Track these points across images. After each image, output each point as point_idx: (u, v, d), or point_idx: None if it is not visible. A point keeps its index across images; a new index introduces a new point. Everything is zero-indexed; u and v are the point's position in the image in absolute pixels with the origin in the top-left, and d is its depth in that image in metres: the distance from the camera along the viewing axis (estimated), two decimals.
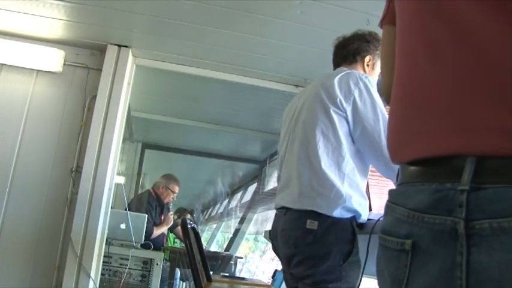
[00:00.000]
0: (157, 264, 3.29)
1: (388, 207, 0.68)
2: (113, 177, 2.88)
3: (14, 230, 2.73)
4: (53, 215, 2.77)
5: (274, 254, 1.81)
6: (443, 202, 0.58)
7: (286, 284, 1.71)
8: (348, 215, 1.52)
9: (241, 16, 2.43)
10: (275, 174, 1.72)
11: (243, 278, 3.36)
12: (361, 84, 1.55)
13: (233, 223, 8.03)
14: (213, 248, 9.54)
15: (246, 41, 2.69)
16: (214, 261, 4.28)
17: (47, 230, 2.76)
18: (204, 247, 2.96)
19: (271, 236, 1.73)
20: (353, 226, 1.52)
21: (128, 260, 3.19)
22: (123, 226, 3.26)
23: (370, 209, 1.71)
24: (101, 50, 2.98)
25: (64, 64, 2.94)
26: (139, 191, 5.30)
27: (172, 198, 4.34)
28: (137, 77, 3.11)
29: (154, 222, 4.04)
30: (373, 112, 1.53)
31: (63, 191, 2.81)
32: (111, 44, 2.93)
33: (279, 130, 1.85)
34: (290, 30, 2.50)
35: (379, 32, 1.78)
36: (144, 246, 3.41)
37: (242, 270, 6.42)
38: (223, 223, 9.86)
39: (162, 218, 4.21)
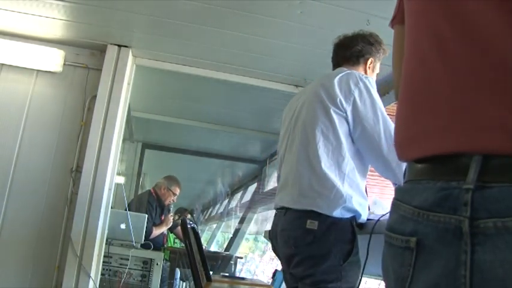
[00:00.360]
0: (157, 264, 3.29)
1: (394, 205, 0.68)
2: (113, 177, 2.88)
3: (14, 230, 2.73)
4: (53, 215, 2.77)
5: (274, 254, 1.81)
6: (448, 200, 0.58)
7: (286, 284, 1.71)
8: (348, 215, 1.52)
9: (241, 16, 2.43)
10: (275, 174, 1.72)
11: (243, 278, 3.37)
12: (361, 84, 1.55)
13: (233, 223, 8.03)
14: (213, 248, 9.54)
15: (246, 41, 2.69)
16: (214, 261, 4.28)
17: (47, 230, 2.76)
18: (204, 247, 2.96)
19: (271, 236, 1.73)
20: (353, 226, 1.52)
21: (128, 260, 3.19)
22: (123, 226, 3.26)
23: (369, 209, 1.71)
24: (101, 50, 2.98)
25: (64, 64, 2.94)
26: (139, 191, 5.30)
27: (173, 200, 4.35)
28: (137, 77, 3.11)
29: (154, 223, 4.04)
30: (373, 112, 1.53)
31: (63, 191, 2.81)
32: (111, 44, 2.93)
33: (279, 130, 1.85)
34: (290, 30, 2.50)
35: (379, 32, 1.79)
36: (144, 246, 3.41)
37: (242, 270, 6.42)
38: (223, 223, 9.86)
39: (162, 218, 4.21)
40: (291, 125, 1.71)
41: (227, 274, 4.01)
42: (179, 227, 4.51)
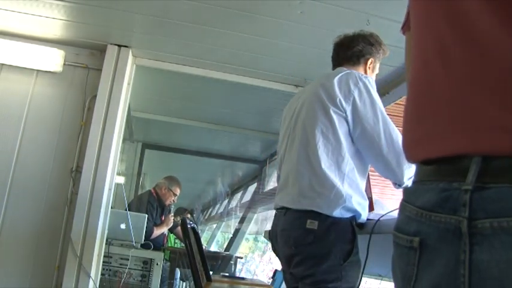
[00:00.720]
0: (157, 264, 3.29)
1: (401, 206, 0.70)
2: (113, 177, 2.88)
3: (14, 230, 2.73)
4: (53, 215, 2.77)
5: (274, 254, 1.81)
6: (448, 201, 0.59)
7: (286, 284, 1.71)
8: (348, 215, 1.52)
9: (241, 16, 2.43)
10: (275, 174, 1.72)
11: (243, 278, 3.37)
12: (360, 84, 1.55)
13: (233, 223, 8.03)
14: (213, 248, 9.54)
15: (246, 41, 2.69)
16: (214, 261, 4.28)
17: (47, 230, 2.76)
18: (204, 247, 2.96)
19: (271, 236, 1.73)
20: (353, 226, 1.52)
21: (128, 260, 3.19)
22: (123, 226, 3.26)
23: (372, 209, 1.71)
24: (101, 50, 2.98)
25: (64, 64, 2.94)
26: (139, 191, 5.30)
27: (173, 201, 4.35)
28: (137, 77, 3.11)
29: (154, 223, 4.04)
30: (373, 112, 1.53)
31: (63, 191, 2.81)
32: (111, 44, 2.93)
33: (279, 130, 1.85)
34: (290, 30, 2.50)
35: (379, 32, 1.79)
36: (144, 246, 3.41)
37: (242, 270, 6.42)
38: (223, 223, 9.86)
39: (163, 218, 4.21)
40: (290, 125, 1.71)
41: (227, 274, 4.01)
42: (179, 228, 4.52)
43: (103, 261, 2.87)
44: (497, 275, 0.53)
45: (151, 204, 4.10)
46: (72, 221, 2.69)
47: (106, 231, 2.86)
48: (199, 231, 3.24)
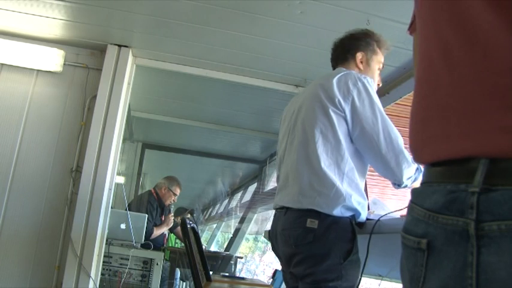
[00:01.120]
0: (157, 264, 3.29)
1: (409, 207, 0.70)
2: (113, 177, 2.88)
3: (14, 230, 2.73)
4: (53, 215, 2.77)
5: (274, 254, 1.81)
6: (455, 203, 0.59)
7: (286, 284, 1.71)
8: (348, 214, 1.52)
9: (241, 16, 2.43)
10: (275, 174, 1.72)
11: (243, 278, 3.37)
12: (359, 84, 1.55)
13: (233, 223, 8.03)
14: (213, 248, 9.54)
15: (246, 41, 2.69)
16: (214, 261, 4.28)
17: (47, 230, 2.76)
18: (204, 247, 2.96)
19: (271, 235, 1.73)
20: (353, 225, 1.53)
21: (128, 260, 3.19)
22: (123, 226, 3.26)
23: (368, 208, 1.71)
24: (101, 50, 2.98)
25: (64, 64, 2.94)
26: (139, 191, 5.31)
27: (173, 201, 4.35)
28: (137, 77, 3.11)
29: (154, 223, 4.04)
30: (372, 112, 1.53)
31: (63, 191, 2.81)
32: (111, 44, 2.93)
33: (279, 130, 1.85)
34: (290, 30, 2.50)
35: (380, 32, 1.78)
36: (144, 246, 3.41)
37: (242, 270, 6.42)
38: (223, 223, 9.87)
39: (163, 218, 4.21)
40: (290, 125, 1.71)
41: (227, 274, 4.01)
42: (179, 227, 4.52)
43: (103, 261, 2.87)
44: (505, 277, 0.53)
45: (151, 204, 4.11)
46: (72, 221, 2.69)
47: (106, 231, 2.86)
48: (199, 231, 3.24)
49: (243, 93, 3.64)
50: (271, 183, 5.44)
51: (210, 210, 11.15)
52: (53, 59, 2.90)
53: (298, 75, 3.11)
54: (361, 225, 1.60)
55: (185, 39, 2.78)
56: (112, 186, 2.87)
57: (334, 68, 1.78)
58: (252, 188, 6.80)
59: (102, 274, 2.93)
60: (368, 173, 1.66)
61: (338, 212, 1.50)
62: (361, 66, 1.72)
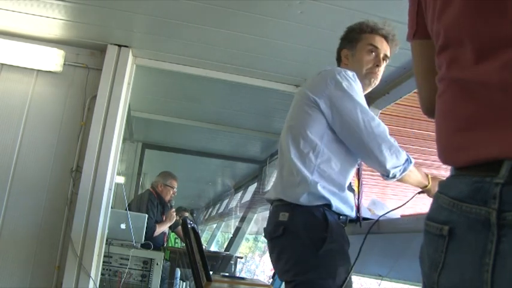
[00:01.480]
0: (157, 264, 3.29)
1: (435, 196, 0.73)
2: (113, 177, 2.88)
3: (14, 230, 2.73)
4: (53, 215, 2.77)
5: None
6: (479, 193, 0.62)
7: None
8: (318, 202, 1.49)
9: (241, 16, 2.43)
10: (275, 174, 1.73)
11: (243, 278, 3.36)
12: (337, 77, 1.55)
13: (233, 223, 8.03)
14: (213, 248, 9.54)
15: (246, 41, 2.69)
16: (214, 261, 4.28)
17: (47, 230, 2.76)
18: (204, 247, 2.96)
19: (265, 233, 1.73)
20: (325, 213, 1.48)
21: (128, 260, 3.19)
22: (123, 226, 3.26)
23: (358, 210, 1.70)
24: (101, 50, 2.98)
25: (64, 64, 2.94)
26: (139, 191, 5.30)
27: (173, 194, 4.35)
28: (137, 77, 3.11)
29: (156, 220, 4.05)
30: (350, 102, 1.52)
31: (63, 191, 2.81)
32: (111, 44, 2.93)
33: (279, 130, 1.86)
34: (290, 30, 2.50)
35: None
36: (144, 246, 3.41)
37: (242, 270, 6.42)
38: (223, 223, 9.87)
39: (164, 216, 4.21)
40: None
41: (227, 274, 4.01)
42: (180, 227, 4.52)
43: (103, 261, 2.87)
44: None
45: (152, 202, 4.11)
46: (72, 221, 2.69)
47: (106, 231, 2.86)
48: (199, 231, 3.24)
49: (243, 93, 3.64)
50: (271, 183, 5.43)
51: (210, 210, 11.15)
52: (53, 59, 2.89)
53: (298, 75, 3.11)
54: (354, 221, 1.59)
55: (185, 39, 2.78)
56: (112, 186, 2.87)
57: None
58: (252, 188, 6.81)
59: (102, 274, 2.93)
60: (368, 172, 1.67)
61: (305, 199, 1.48)
62: (346, 61, 1.72)
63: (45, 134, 2.87)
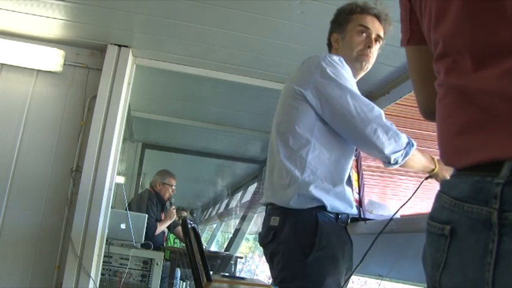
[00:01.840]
0: (157, 264, 3.29)
1: (437, 196, 0.73)
2: (113, 177, 2.88)
3: (14, 230, 2.73)
4: (53, 215, 2.77)
5: None
6: (481, 193, 0.62)
7: None
8: (309, 205, 1.39)
9: (241, 16, 2.43)
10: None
11: (243, 278, 3.36)
12: (322, 64, 1.45)
13: (233, 223, 8.03)
14: (213, 248, 9.54)
15: (246, 41, 2.69)
16: (214, 261, 4.28)
17: (47, 230, 2.76)
18: (204, 247, 2.96)
19: (259, 239, 1.65)
20: (317, 217, 1.38)
21: (128, 260, 3.19)
22: (123, 226, 3.26)
23: (361, 205, 1.64)
24: (101, 50, 2.98)
25: (64, 64, 2.94)
26: (140, 191, 5.31)
27: (172, 192, 4.34)
28: (137, 77, 3.11)
29: (156, 219, 4.05)
30: (339, 88, 1.42)
31: (63, 191, 2.81)
32: (111, 44, 2.93)
33: None
34: (290, 30, 2.50)
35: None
36: (144, 246, 3.41)
37: (242, 270, 6.42)
38: (223, 223, 9.87)
39: (163, 215, 4.22)
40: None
41: (227, 274, 4.01)
42: (179, 227, 4.53)
43: (103, 261, 2.87)
44: None
45: (151, 201, 4.12)
46: (72, 221, 2.69)
47: (106, 231, 2.86)
48: (199, 231, 3.24)
49: (243, 93, 3.64)
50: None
51: (210, 210, 11.15)
52: (53, 59, 2.90)
53: None
54: (357, 219, 1.51)
55: (185, 39, 2.78)
56: (112, 186, 2.87)
57: None
58: (252, 188, 6.81)
59: (102, 274, 2.93)
60: (368, 172, 1.64)
61: (295, 203, 1.38)
62: (336, 46, 1.62)
63: (45, 134, 2.88)
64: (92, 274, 2.68)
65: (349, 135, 1.44)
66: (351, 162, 1.52)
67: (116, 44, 2.94)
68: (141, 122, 4.62)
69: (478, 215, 0.62)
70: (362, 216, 1.62)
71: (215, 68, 3.10)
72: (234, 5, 2.35)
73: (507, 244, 0.57)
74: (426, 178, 1.55)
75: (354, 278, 1.48)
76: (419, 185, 1.51)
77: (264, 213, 1.54)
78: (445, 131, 0.72)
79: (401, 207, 1.52)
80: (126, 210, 3.35)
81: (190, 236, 2.32)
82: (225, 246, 7.13)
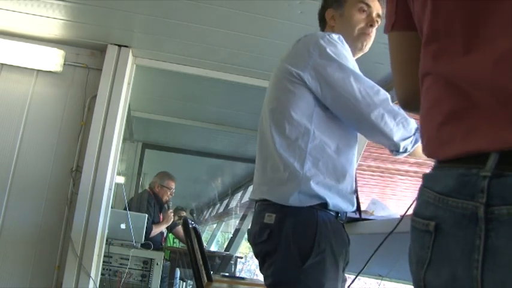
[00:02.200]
0: (157, 264, 3.29)
1: (420, 191, 0.71)
2: (113, 177, 2.88)
3: (14, 230, 2.73)
4: (53, 215, 2.77)
5: None
6: (466, 187, 0.60)
7: None
8: (310, 203, 1.26)
9: (241, 16, 2.43)
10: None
11: (243, 278, 3.36)
12: (321, 42, 1.31)
13: (233, 223, 8.03)
14: (213, 248, 9.54)
15: (246, 41, 2.69)
16: (214, 261, 4.28)
17: (47, 230, 2.76)
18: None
19: (248, 236, 1.50)
20: (317, 217, 1.26)
21: (128, 260, 3.19)
22: (123, 226, 3.26)
23: (358, 203, 1.58)
24: (101, 50, 2.98)
25: (64, 64, 2.94)
26: (139, 191, 5.31)
27: (171, 194, 4.33)
28: (137, 77, 3.11)
29: (152, 221, 4.04)
30: (341, 70, 1.29)
31: (63, 191, 2.81)
32: (111, 44, 2.93)
33: None
34: (290, 30, 2.50)
35: (380, 31, 1.77)
36: (144, 246, 3.41)
37: (242, 270, 6.42)
38: (223, 223, 9.87)
39: (161, 217, 4.21)
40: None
41: (227, 274, 4.01)
42: (178, 227, 4.52)
43: (103, 261, 2.87)
44: (511, 261, 0.54)
45: (149, 203, 4.11)
46: (72, 221, 2.69)
47: (106, 231, 2.87)
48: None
49: (243, 93, 3.64)
50: None
51: (210, 210, 11.15)
52: (53, 59, 2.90)
53: None
54: (355, 220, 1.43)
55: (185, 39, 2.78)
56: (112, 186, 2.87)
57: None
58: (251, 188, 6.79)
59: (102, 274, 2.93)
60: (368, 172, 1.61)
61: (295, 200, 1.25)
62: (333, 23, 1.48)
63: (45, 134, 2.88)
64: (92, 274, 2.68)
65: (353, 121, 1.32)
66: (355, 151, 1.39)
67: (116, 44, 2.94)
68: (141, 122, 4.62)
69: (464, 209, 0.59)
70: (360, 216, 1.52)
71: (215, 68, 3.10)
72: (234, 5, 2.35)
73: (494, 240, 0.55)
74: None
75: (346, 276, 1.44)
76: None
77: (254, 208, 1.41)
78: (429, 121, 0.70)
79: (410, 206, 1.48)
80: (126, 210, 3.35)
81: (191, 236, 2.32)
82: (225, 246, 7.12)
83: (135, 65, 3.06)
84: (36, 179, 2.81)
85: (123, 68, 2.93)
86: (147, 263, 3.28)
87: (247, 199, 7.02)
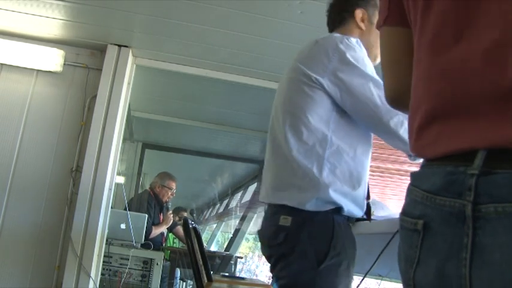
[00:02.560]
0: (157, 264, 3.29)
1: (408, 189, 0.70)
2: (113, 177, 2.89)
3: (14, 230, 2.73)
4: (53, 215, 2.78)
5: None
6: (454, 185, 0.59)
7: None
8: (327, 208, 1.28)
9: (241, 16, 2.43)
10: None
11: (243, 278, 3.36)
12: (341, 47, 1.30)
13: (233, 223, 8.03)
14: (213, 248, 9.54)
15: (246, 41, 2.69)
16: (214, 261, 4.28)
17: (47, 230, 2.76)
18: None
19: (260, 236, 1.52)
20: (334, 221, 1.29)
21: (128, 260, 3.19)
22: (123, 226, 3.26)
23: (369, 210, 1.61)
24: (101, 50, 2.98)
25: (64, 64, 2.94)
26: (139, 191, 5.31)
27: (172, 195, 4.32)
28: (137, 77, 3.11)
29: (152, 222, 4.04)
30: (361, 77, 1.29)
31: (63, 191, 2.81)
32: (111, 44, 2.93)
33: None
34: (290, 30, 2.50)
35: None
36: (144, 246, 3.41)
37: (242, 270, 6.42)
38: (223, 223, 9.87)
39: (161, 217, 4.21)
40: (272, 113, 1.52)
41: (227, 274, 4.01)
42: (178, 227, 4.52)
43: (103, 261, 2.88)
44: (499, 259, 0.53)
45: (149, 203, 4.10)
46: (72, 221, 2.69)
47: (106, 231, 2.87)
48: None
49: (243, 93, 3.64)
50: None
51: (210, 210, 11.15)
52: (53, 59, 2.90)
53: None
54: (364, 219, 1.43)
55: (185, 39, 2.78)
56: (112, 186, 2.87)
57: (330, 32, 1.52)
58: (252, 188, 6.80)
59: (102, 274, 2.93)
60: (368, 172, 1.58)
61: (312, 205, 1.27)
62: (362, 25, 1.44)
63: (45, 134, 2.88)
64: (92, 274, 2.68)
65: (372, 127, 1.34)
66: (370, 157, 1.40)
67: (116, 44, 2.94)
68: (141, 122, 4.62)
69: (451, 208, 0.59)
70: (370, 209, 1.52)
71: (215, 68, 3.10)
72: (234, 5, 2.35)
73: (482, 238, 0.55)
74: None
75: (354, 278, 1.44)
76: None
77: (266, 209, 1.43)
78: (416, 119, 0.69)
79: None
80: (126, 210, 3.35)
81: (192, 236, 2.32)
82: (225, 246, 7.13)
83: (135, 65, 3.06)
84: (36, 179, 2.81)
85: (123, 68, 2.93)
86: (147, 263, 3.28)
87: (247, 199, 7.02)
